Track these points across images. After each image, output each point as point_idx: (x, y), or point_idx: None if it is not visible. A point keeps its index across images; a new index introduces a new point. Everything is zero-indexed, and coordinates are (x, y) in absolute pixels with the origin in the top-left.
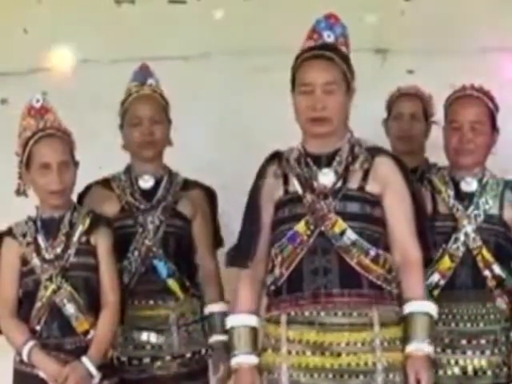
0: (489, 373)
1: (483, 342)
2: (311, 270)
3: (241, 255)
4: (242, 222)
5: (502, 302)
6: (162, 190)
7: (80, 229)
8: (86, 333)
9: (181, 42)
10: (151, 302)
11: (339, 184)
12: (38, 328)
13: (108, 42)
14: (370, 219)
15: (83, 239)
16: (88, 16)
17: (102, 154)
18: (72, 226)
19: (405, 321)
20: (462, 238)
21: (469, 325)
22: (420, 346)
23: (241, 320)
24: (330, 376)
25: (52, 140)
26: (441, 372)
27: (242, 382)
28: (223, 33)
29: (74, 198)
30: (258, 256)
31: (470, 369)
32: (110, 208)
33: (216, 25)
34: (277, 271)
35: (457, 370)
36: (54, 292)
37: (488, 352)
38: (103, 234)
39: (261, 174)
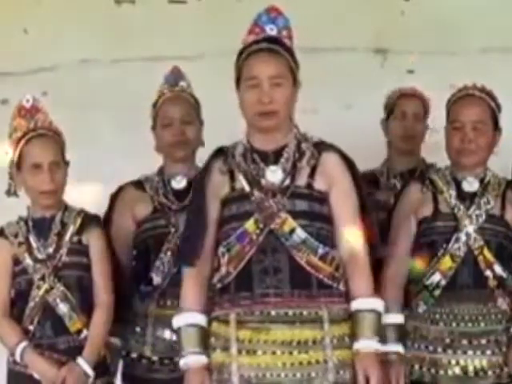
0: (490, 373)
1: (484, 342)
2: (261, 269)
3: (187, 253)
4: (187, 219)
5: (503, 302)
6: None
7: (71, 228)
8: (79, 332)
9: (181, 42)
10: None
11: (287, 182)
12: (31, 328)
13: (108, 42)
14: (319, 217)
15: (75, 239)
16: (88, 16)
17: (101, 154)
18: (63, 225)
19: (352, 318)
20: (463, 237)
21: (470, 325)
22: (368, 343)
23: (188, 319)
24: (283, 375)
25: (43, 140)
26: (442, 372)
27: (192, 382)
28: (223, 33)
29: (68, 198)
30: (204, 254)
31: (470, 369)
32: (143, 209)
33: (216, 25)
34: (223, 269)
35: (458, 371)
36: (47, 292)
37: (489, 352)
38: (95, 233)
39: (206, 171)
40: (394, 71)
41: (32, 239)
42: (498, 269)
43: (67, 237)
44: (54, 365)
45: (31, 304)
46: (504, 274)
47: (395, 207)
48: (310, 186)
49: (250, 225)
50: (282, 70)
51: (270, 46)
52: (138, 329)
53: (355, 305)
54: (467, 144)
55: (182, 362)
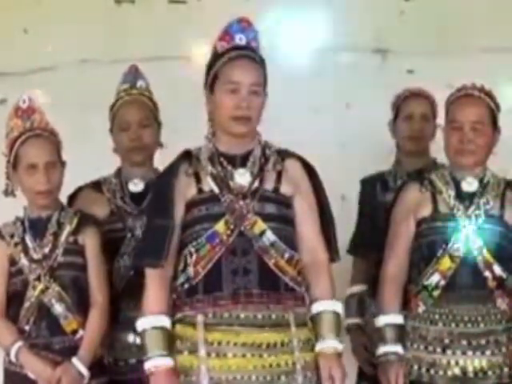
0: (489, 373)
1: (483, 342)
2: (231, 270)
3: (154, 254)
4: (150, 220)
5: (502, 303)
6: None
7: (67, 228)
8: (75, 332)
9: (181, 42)
10: (139, 305)
11: (256, 184)
12: (26, 328)
13: (108, 42)
14: (286, 220)
15: (71, 239)
16: (88, 16)
17: (101, 154)
18: (60, 225)
19: (314, 320)
20: (462, 238)
21: (469, 325)
22: (331, 344)
23: (152, 322)
24: (254, 378)
25: (39, 140)
26: (441, 373)
27: None
28: None
29: (63, 198)
30: (170, 255)
31: (470, 369)
32: (100, 211)
33: (216, 25)
34: (191, 270)
35: (457, 371)
36: (42, 292)
37: (488, 352)
38: (91, 233)
39: (172, 172)
40: (394, 71)
41: (28, 239)
42: (498, 269)
43: (63, 237)
44: (49, 365)
45: (27, 304)
46: (503, 275)
47: (394, 207)
48: (277, 190)
49: (220, 226)
50: (260, 79)
51: (250, 53)
52: None
53: (317, 306)
54: (466, 144)
55: (148, 365)
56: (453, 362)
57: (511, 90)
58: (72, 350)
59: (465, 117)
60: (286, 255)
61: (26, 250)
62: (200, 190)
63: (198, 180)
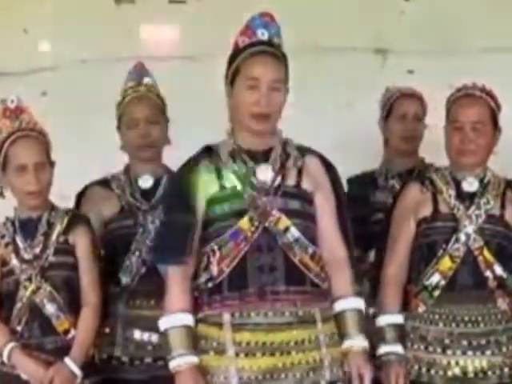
0: (490, 373)
1: (484, 342)
2: (256, 266)
3: (176, 251)
4: (170, 217)
5: (503, 303)
6: (161, 190)
7: (58, 228)
8: (67, 332)
9: (181, 42)
10: (152, 303)
11: (278, 181)
12: (18, 328)
13: (108, 42)
14: (308, 216)
15: (61, 239)
16: (88, 16)
17: (101, 154)
18: (50, 225)
19: (338, 318)
20: (463, 238)
21: (469, 325)
22: (358, 342)
23: (176, 320)
24: (283, 376)
25: (27, 141)
26: (441, 373)
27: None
28: (223, 32)
29: (68, 197)
30: (192, 252)
31: (470, 370)
32: (110, 208)
33: (216, 24)
34: (214, 268)
35: (457, 371)
36: (34, 292)
37: (489, 353)
38: (81, 233)
39: (192, 168)
40: (393, 71)
41: (19, 240)
42: (498, 269)
43: (54, 237)
44: (42, 365)
45: (18, 305)
46: (504, 275)
47: (394, 207)
48: (299, 185)
49: (244, 222)
50: (281, 75)
51: (271, 49)
52: (107, 329)
53: (340, 304)
54: (467, 144)
55: (173, 364)
56: (453, 363)
57: (511, 90)
58: (64, 350)
59: (466, 117)
60: (310, 251)
61: (16, 251)
62: (222, 187)
63: (220, 176)
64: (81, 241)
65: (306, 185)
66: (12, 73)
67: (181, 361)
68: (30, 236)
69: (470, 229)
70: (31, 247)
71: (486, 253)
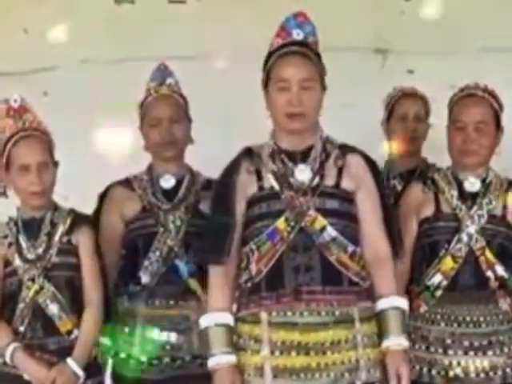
0: (491, 374)
1: (485, 343)
2: (292, 267)
3: (216, 251)
4: (212, 218)
5: (504, 303)
6: (183, 190)
7: (61, 228)
8: (70, 333)
9: (181, 42)
10: (172, 302)
11: (316, 180)
12: (21, 329)
13: (108, 42)
14: (348, 216)
15: (64, 239)
16: (88, 16)
17: (101, 154)
18: (53, 225)
19: (379, 317)
20: (464, 238)
21: (471, 326)
22: (398, 341)
23: (216, 318)
24: (317, 376)
25: (31, 141)
26: (442, 373)
27: (222, 382)
28: (223, 32)
29: (68, 197)
30: (231, 253)
31: (471, 370)
32: (132, 208)
33: (216, 24)
34: (253, 268)
35: (458, 371)
36: (37, 292)
37: (490, 353)
38: (84, 233)
39: (234, 170)
40: (394, 71)
41: (22, 240)
42: (500, 269)
43: (57, 237)
44: (44, 365)
45: (21, 305)
46: (506, 275)
47: (396, 207)
48: (338, 185)
49: (280, 223)
50: (312, 73)
51: (300, 49)
52: (126, 329)
53: (382, 303)
54: (469, 144)
55: (212, 362)
56: (454, 363)
57: (511, 90)
58: (67, 351)
59: (468, 117)
60: (349, 250)
61: (19, 251)
62: (261, 188)
63: (259, 177)
64: (83, 241)
65: (346, 184)
66: (12, 73)
67: (219, 359)
68: (33, 236)
69: (472, 229)
70: (34, 247)
71: (488, 253)
